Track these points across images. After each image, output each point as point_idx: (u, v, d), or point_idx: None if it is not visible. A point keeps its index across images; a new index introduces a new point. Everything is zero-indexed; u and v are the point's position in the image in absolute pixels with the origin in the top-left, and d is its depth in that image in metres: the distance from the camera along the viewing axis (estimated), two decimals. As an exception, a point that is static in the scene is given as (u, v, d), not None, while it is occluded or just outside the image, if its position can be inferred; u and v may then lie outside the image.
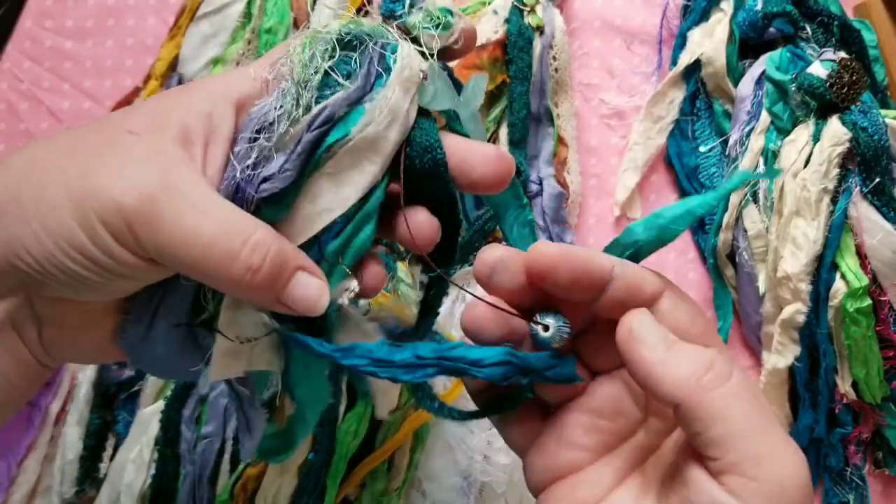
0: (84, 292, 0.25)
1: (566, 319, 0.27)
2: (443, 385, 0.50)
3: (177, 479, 0.47)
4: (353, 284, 0.28)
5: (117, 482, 0.48)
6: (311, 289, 0.26)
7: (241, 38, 0.58)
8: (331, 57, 0.27)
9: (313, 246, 0.27)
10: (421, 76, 0.28)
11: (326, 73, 0.27)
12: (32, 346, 0.28)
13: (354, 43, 0.27)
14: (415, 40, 0.28)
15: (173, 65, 0.59)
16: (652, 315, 0.26)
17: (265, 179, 0.26)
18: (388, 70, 0.27)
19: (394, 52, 0.27)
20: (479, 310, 0.28)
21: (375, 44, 0.27)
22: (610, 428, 0.28)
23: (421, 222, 0.28)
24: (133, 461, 0.48)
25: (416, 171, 0.28)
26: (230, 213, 0.25)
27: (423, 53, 0.28)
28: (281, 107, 0.26)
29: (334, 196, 0.27)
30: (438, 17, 0.29)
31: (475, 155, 0.28)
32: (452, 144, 0.28)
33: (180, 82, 0.58)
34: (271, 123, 0.26)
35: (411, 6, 0.29)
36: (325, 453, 0.47)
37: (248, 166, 0.26)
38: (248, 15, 0.59)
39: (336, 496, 0.47)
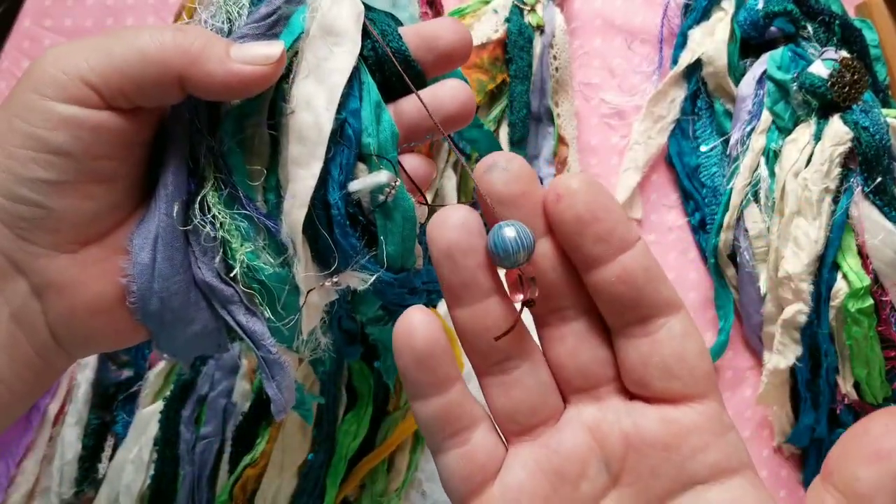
0: (58, 214, 0.24)
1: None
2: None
3: (176, 479, 0.47)
4: (387, 177, 0.26)
5: (116, 483, 0.48)
6: (254, 46, 0.25)
7: (241, 38, 0.58)
8: None
9: (343, 146, 0.27)
10: None
11: None
12: (37, 333, 0.25)
13: None
14: None
15: (172, 64, 0.59)
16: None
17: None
18: None
19: None
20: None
21: None
22: (571, 496, 0.23)
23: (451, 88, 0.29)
24: (132, 462, 0.48)
25: (378, 61, 0.28)
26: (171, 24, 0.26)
27: None
28: (212, 25, 0.26)
29: (324, 89, 0.26)
30: None
31: (435, 27, 0.28)
32: (410, 29, 0.28)
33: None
34: None
35: None
36: (325, 454, 0.47)
37: None
38: (247, 14, 0.58)
39: (336, 496, 0.47)
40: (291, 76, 0.27)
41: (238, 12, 0.27)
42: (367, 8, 0.28)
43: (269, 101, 0.27)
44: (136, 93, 0.24)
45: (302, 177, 0.26)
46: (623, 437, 0.23)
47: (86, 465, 0.49)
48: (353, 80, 0.27)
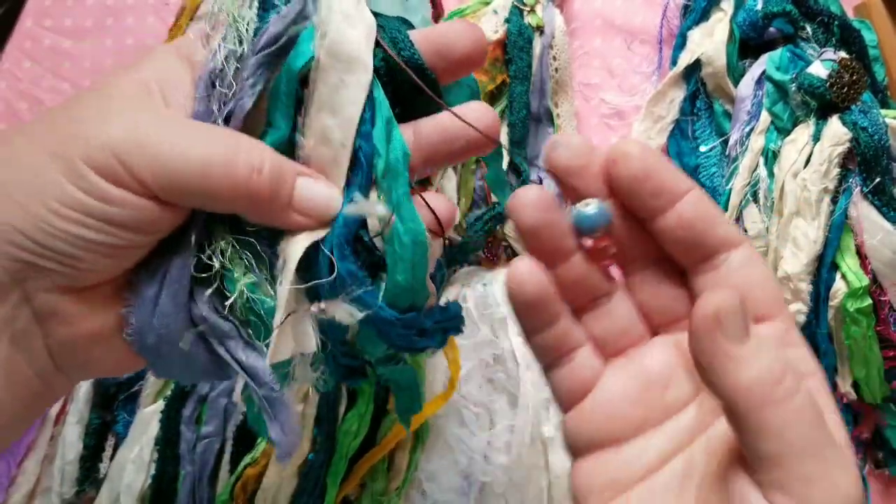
0: (87, 266, 0.24)
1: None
2: (441, 384, 0.50)
3: (177, 479, 0.47)
4: (383, 211, 0.25)
5: (117, 482, 0.48)
6: (318, 189, 0.25)
7: (241, 38, 0.58)
8: None
9: (356, 170, 0.26)
10: None
11: (263, 8, 0.26)
12: (36, 357, 0.25)
13: None
14: None
15: (173, 64, 0.59)
16: (742, 300, 0.23)
17: (228, 119, 0.25)
18: None
19: None
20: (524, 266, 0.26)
21: None
22: (658, 401, 0.26)
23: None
24: (133, 461, 0.48)
25: (390, 71, 0.27)
26: (216, 127, 0.25)
27: None
28: (225, 48, 0.25)
29: (340, 123, 0.26)
30: None
31: (448, 32, 0.27)
32: (421, 35, 0.27)
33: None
34: (221, 70, 0.25)
35: None
36: (326, 453, 0.47)
37: (212, 117, 0.25)
38: (247, 14, 0.58)
39: (336, 496, 0.47)
40: (304, 108, 0.26)
41: (247, 30, 0.26)
42: (376, 15, 0.27)
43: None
44: (184, 202, 0.25)
45: None
46: None
47: (87, 465, 0.49)
48: (366, 100, 0.26)
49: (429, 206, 0.28)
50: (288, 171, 0.25)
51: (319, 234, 0.25)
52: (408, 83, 0.27)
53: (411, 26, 0.28)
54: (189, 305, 0.26)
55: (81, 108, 0.24)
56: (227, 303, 0.26)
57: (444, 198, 0.29)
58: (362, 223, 0.26)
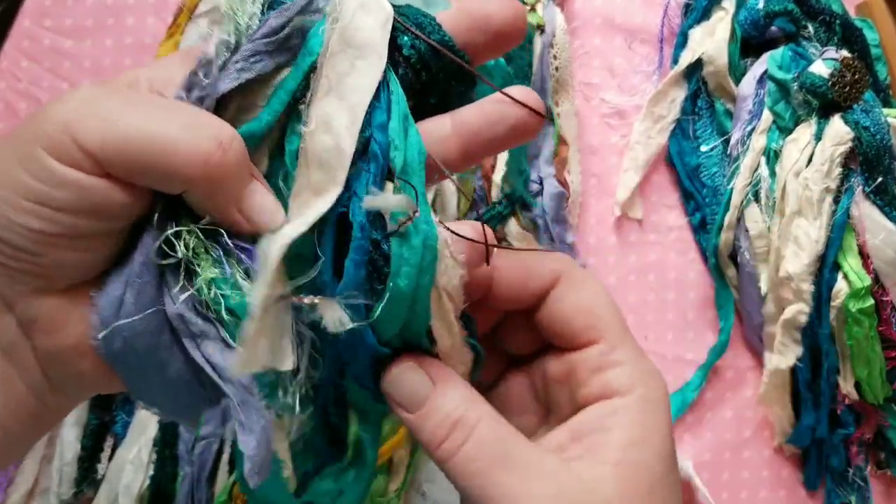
0: (50, 262, 0.23)
1: None
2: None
3: (175, 479, 0.47)
4: (405, 202, 0.23)
5: (115, 483, 0.48)
6: (268, 199, 0.24)
7: (241, 37, 0.58)
8: None
9: (370, 163, 0.24)
10: None
11: (270, 6, 0.25)
12: (28, 371, 0.24)
13: None
14: None
15: (172, 64, 0.59)
16: (412, 365, 0.25)
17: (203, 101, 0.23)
18: None
19: None
20: None
21: None
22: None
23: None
24: (131, 462, 0.48)
25: (422, 58, 0.25)
26: (182, 104, 0.23)
27: None
28: (217, 38, 0.24)
29: (347, 108, 0.24)
30: None
31: (488, 3, 0.25)
32: (456, 7, 0.25)
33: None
34: (210, 61, 0.24)
35: None
36: (326, 455, 0.47)
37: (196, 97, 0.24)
38: (247, 14, 0.58)
39: (335, 497, 0.47)
40: (309, 96, 0.24)
41: (248, 23, 0.24)
42: (395, 6, 0.25)
43: (278, 129, 0.25)
44: (137, 179, 0.23)
45: (316, 204, 0.24)
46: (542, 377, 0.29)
47: (85, 466, 0.49)
48: (381, 90, 0.24)
49: (460, 236, 0.25)
50: (247, 168, 0.24)
51: (302, 229, 0.23)
52: (442, 71, 0.26)
53: (433, 19, 0.26)
54: (159, 304, 0.24)
55: (57, 101, 0.23)
56: (198, 298, 0.24)
57: (478, 229, 0.26)
58: (380, 224, 0.24)
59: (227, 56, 0.24)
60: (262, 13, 0.25)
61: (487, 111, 0.26)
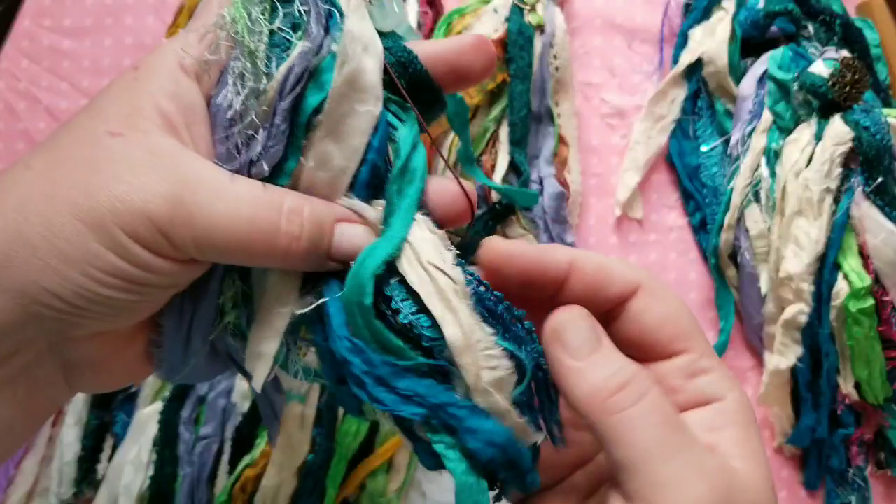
0: (119, 318, 0.24)
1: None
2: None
3: (175, 480, 0.47)
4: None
5: (115, 483, 0.48)
6: (357, 237, 0.25)
7: (240, 37, 0.58)
8: (272, 13, 0.25)
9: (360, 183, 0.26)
10: None
11: (272, 32, 0.25)
12: (52, 390, 0.26)
13: None
14: None
15: (172, 64, 0.58)
16: (586, 314, 0.25)
17: (253, 163, 0.24)
18: (332, 3, 0.25)
19: None
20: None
21: None
22: (566, 456, 0.28)
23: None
24: (131, 462, 0.48)
25: (409, 90, 0.27)
26: (254, 188, 0.24)
27: None
28: (242, 87, 0.24)
29: (342, 152, 0.25)
30: None
31: (454, 44, 0.28)
32: (425, 49, 0.27)
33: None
34: (241, 113, 0.24)
35: None
36: (325, 454, 0.47)
37: (237, 161, 0.24)
38: (247, 13, 0.58)
39: (336, 497, 0.47)
40: (310, 134, 0.25)
41: (266, 65, 0.24)
42: (379, 34, 0.27)
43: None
44: (220, 262, 0.25)
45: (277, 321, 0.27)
46: None
47: (85, 466, 0.49)
48: (378, 128, 0.26)
49: (464, 189, 0.27)
50: (327, 223, 0.25)
51: (282, 326, 0.26)
52: (413, 83, 0.27)
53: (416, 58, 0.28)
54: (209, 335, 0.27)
55: (103, 159, 0.23)
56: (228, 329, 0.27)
57: (456, 191, 0.28)
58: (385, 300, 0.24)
59: (255, 103, 0.24)
60: (270, 40, 0.25)
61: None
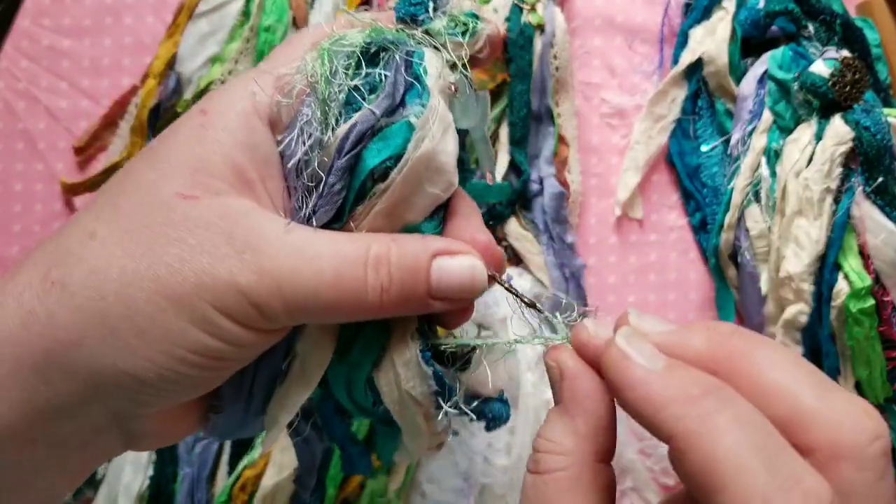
0: (191, 394, 0.23)
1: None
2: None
3: (175, 480, 0.47)
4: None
5: (115, 483, 0.48)
6: (456, 270, 0.23)
7: (240, 37, 0.58)
8: (356, 72, 0.23)
9: None
10: (452, 88, 0.25)
11: (349, 89, 0.24)
12: (106, 457, 0.25)
13: (377, 52, 0.24)
14: (436, 46, 0.25)
15: (171, 63, 0.58)
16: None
17: (315, 211, 0.24)
18: (417, 79, 0.24)
19: (420, 59, 0.24)
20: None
21: (400, 52, 0.24)
22: None
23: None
24: (131, 462, 0.48)
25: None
26: (334, 243, 0.23)
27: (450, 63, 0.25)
28: (308, 136, 0.23)
29: (392, 226, 0.25)
30: (465, 23, 0.25)
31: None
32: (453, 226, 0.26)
33: (178, 81, 0.58)
34: (306, 163, 0.23)
35: (434, 9, 0.25)
36: (325, 454, 0.47)
37: (307, 208, 0.24)
38: (246, 13, 0.58)
39: (336, 497, 0.47)
40: (366, 201, 0.24)
41: (337, 119, 0.23)
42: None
43: None
44: (305, 322, 0.24)
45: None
46: None
47: (85, 466, 0.49)
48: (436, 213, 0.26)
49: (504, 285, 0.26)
50: (421, 263, 0.23)
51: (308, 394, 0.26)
52: None
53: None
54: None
55: (178, 227, 0.22)
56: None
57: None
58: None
59: (318, 153, 0.24)
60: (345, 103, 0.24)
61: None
